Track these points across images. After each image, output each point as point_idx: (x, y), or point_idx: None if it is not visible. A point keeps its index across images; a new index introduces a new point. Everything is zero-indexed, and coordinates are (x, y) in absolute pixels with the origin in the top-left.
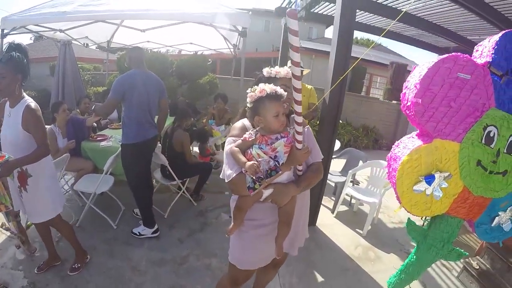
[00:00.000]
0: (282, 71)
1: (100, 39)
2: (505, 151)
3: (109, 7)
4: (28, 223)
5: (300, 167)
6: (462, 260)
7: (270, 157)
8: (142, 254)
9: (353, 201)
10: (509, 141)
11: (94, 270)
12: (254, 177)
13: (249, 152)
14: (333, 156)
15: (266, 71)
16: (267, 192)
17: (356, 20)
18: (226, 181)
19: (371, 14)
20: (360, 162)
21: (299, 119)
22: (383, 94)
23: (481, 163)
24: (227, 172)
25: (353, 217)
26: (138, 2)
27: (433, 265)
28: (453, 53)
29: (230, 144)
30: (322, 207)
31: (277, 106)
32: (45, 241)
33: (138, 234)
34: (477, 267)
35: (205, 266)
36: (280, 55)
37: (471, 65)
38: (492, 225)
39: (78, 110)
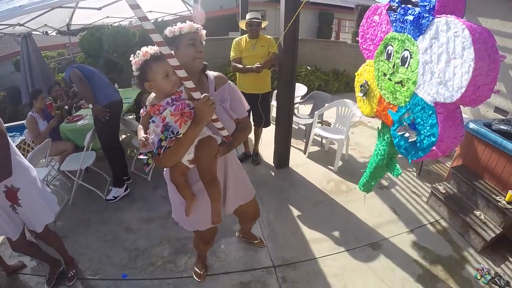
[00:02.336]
0: (186, 26)
1: (59, 24)
2: (399, 63)
3: None
4: None
5: (219, 125)
6: (429, 186)
7: (163, 127)
8: (132, 216)
9: (323, 141)
10: (401, 55)
11: (92, 238)
12: (142, 152)
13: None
14: (300, 101)
15: (168, 30)
16: (186, 157)
17: None
18: None
19: None
20: (326, 104)
21: (188, 83)
22: (351, 37)
23: (385, 74)
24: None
25: (324, 156)
26: None
27: (402, 192)
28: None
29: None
30: (294, 150)
31: (164, 66)
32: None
33: (114, 198)
34: (444, 191)
35: None
36: (241, 9)
37: (378, 8)
38: (396, 130)
39: (50, 97)
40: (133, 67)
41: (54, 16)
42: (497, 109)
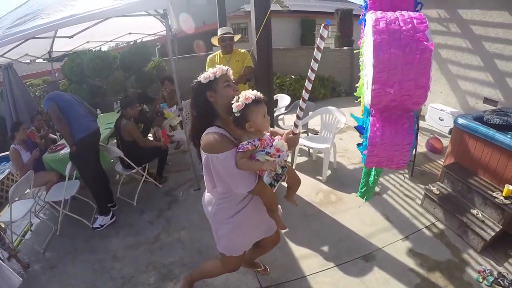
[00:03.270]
0: (218, 70)
1: (40, 52)
2: (364, 67)
3: (35, 23)
4: (15, 243)
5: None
6: (423, 187)
7: (276, 157)
8: (119, 242)
9: (311, 150)
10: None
11: (80, 267)
12: (272, 175)
13: (255, 159)
14: (285, 112)
15: (203, 77)
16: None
17: None
18: (247, 191)
19: None
20: (310, 113)
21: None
22: (334, 42)
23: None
24: (246, 183)
25: (313, 166)
26: (60, 11)
27: (395, 196)
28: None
29: (229, 160)
30: None
31: (263, 108)
32: None
33: (100, 226)
34: (438, 192)
35: (176, 240)
36: (218, 23)
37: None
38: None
39: (33, 128)
40: (234, 109)
41: (33, 45)
42: (486, 100)
